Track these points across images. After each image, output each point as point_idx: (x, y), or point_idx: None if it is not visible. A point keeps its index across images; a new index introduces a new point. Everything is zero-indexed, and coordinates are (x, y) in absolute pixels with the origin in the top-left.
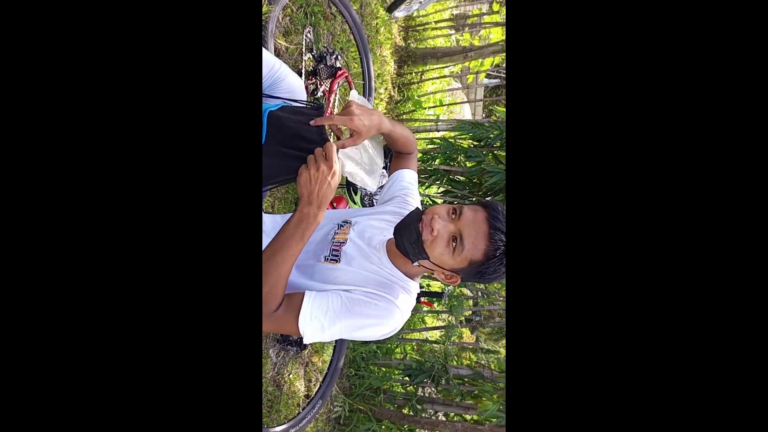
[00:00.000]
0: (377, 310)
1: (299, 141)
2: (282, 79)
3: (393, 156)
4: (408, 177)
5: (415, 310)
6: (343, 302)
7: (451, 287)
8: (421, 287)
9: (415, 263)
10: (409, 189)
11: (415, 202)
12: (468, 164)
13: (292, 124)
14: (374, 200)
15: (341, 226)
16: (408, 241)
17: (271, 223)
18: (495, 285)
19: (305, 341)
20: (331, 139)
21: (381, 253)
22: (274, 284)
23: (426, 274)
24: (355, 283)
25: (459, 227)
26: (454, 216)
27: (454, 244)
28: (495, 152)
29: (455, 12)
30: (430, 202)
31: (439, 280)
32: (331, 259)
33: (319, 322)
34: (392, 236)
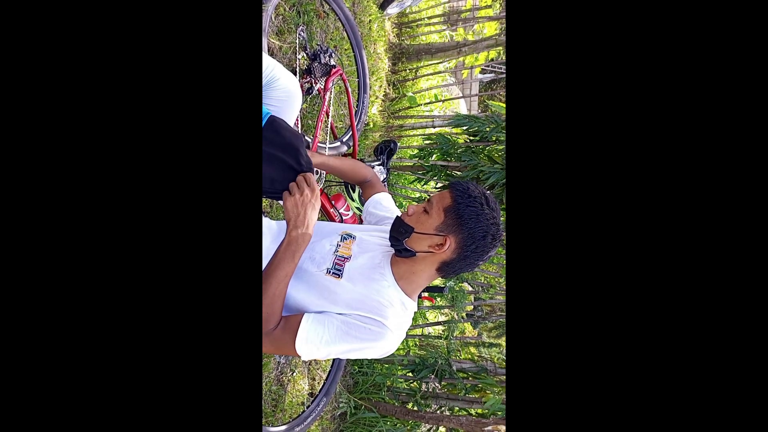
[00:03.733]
0: (370, 334)
1: (291, 152)
2: (276, 79)
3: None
4: (385, 200)
5: (418, 307)
6: (339, 327)
7: (450, 283)
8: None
9: (405, 241)
10: (391, 212)
11: None
12: (465, 156)
13: (288, 135)
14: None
15: (345, 238)
16: (395, 229)
17: (267, 227)
18: (495, 278)
19: (303, 359)
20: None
21: (385, 269)
22: (271, 304)
23: (423, 291)
24: (352, 303)
25: (429, 198)
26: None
27: (428, 209)
28: (489, 152)
29: (448, 7)
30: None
31: (432, 256)
32: (333, 273)
33: (315, 346)
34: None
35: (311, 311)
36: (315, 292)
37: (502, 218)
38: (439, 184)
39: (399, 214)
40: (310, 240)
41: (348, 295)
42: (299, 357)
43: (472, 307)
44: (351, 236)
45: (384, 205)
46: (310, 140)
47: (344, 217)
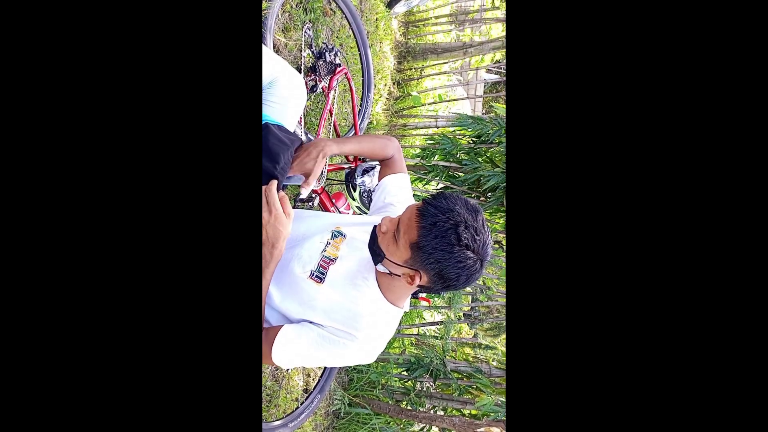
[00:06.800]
0: (342, 348)
1: (274, 161)
2: (280, 77)
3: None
4: (392, 184)
5: (414, 306)
6: (315, 339)
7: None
8: None
9: (379, 265)
10: (396, 197)
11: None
12: (466, 160)
13: (274, 144)
14: (372, 197)
15: (335, 236)
16: (371, 245)
17: None
18: (493, 280)
19: (282, 367)
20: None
21: (369, 274)
22: None
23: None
24: (329, 311)
25: (399, 219)
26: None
27: (397, 236)
28: (491, 155)
29: (456, 7)
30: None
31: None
32: (316, 277)
33: (289, 358)
34: None
35: (292, 318)
36: (296, 297)
37: (501, 223)
38: (441, 185)
39: (407, 200)
40: (303, 238)
41: (326, 302)
42: (272, 365)
43: (469, 307)
44: (341, 234)
45: (389, 191)
46: (312, 138)
47: None
